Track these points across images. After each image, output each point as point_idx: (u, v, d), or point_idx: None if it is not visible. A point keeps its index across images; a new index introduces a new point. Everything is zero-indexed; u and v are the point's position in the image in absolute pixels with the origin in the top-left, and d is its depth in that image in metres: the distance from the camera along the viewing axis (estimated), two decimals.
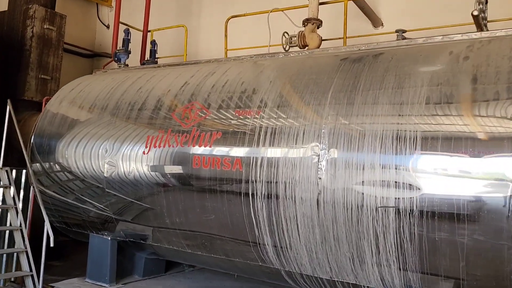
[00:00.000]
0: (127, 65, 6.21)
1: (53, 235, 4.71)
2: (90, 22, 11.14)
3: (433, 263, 2.93)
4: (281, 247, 3.63)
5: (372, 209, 3.06)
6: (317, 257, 3.45)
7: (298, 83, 3.75)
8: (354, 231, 3.16)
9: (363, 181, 3.11)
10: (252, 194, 3.63)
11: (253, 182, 3.62)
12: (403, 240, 2.97)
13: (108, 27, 10.78)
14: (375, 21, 6.63)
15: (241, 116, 3.85)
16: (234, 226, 3.85)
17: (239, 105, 3.93)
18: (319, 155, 3.30)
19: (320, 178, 3.28)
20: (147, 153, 4.31)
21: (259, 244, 3.73)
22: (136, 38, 7.05)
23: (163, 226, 4.41)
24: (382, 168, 3.04)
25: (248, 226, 3.74)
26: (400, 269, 3.07)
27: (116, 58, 6.28)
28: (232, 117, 3.91)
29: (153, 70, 5.34)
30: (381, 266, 3.14)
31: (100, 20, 11.07)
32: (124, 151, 4.52)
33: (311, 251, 3.47)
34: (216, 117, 4.02)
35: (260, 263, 3.92)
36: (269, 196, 3.55)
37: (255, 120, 3.74)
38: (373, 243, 3.10)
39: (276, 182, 3.50)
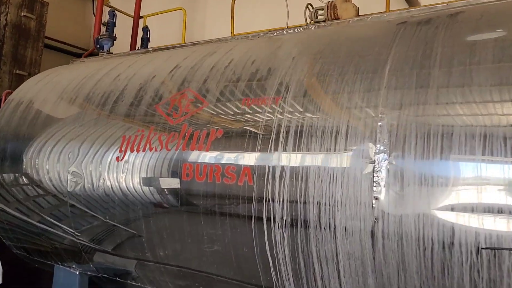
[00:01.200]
0: (111, 53, 5.08)
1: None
2: (86, 19, 10.19)
3: None
4: None
5: (470, 251, 1.85)
6: None
7: (333, 58, 2.58)
8: (436, 286, 1.96)
9: (452, 205, 1.91)
10: (268, 220, 2.44)
11: (269, 201, 2.43)
12: None
13: (104, 24, 9.79)
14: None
15: (251, 107, 2.67)
16: (241, 264, 2.65)
17: (248, 92, 2.76)
18: (374, 162, 2.11)
19: (376, 198, 2.09)
20: (122, 159, 3.14)
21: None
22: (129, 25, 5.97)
23: (143, 259, 3.22)
24: (486, 183, 1.84)
25: (261, 265, 2.54)
26: None
27: (98, 45, 5.16)
28: (238, 109, 2.73)
29: (138, 55, 4.20)
30: None
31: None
32: (92, 157, 3.35)
33: None
34: (215, 109, 2.84)
35: None
36: (294, 223, 2.35)
37: (272, 112, 2.56)
38: None
39: (305, 203, 2.30)
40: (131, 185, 3.11)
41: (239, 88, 2.82)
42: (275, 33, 3.34)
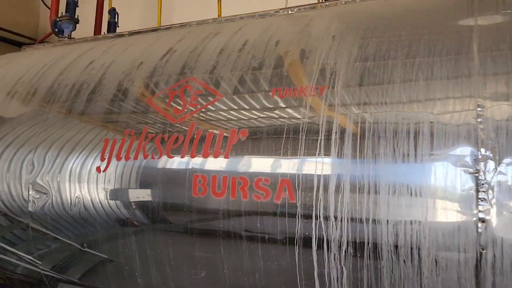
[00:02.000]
0: (73, 39, 4.22)
1: None
2: (33, 4, 9.03)
3: None
4: None
5: None
6: None
7: (392, 35, 2.01)
8: None
9: None
10: (320, 248, 1.84)
11: (320, 224, 1.83)
12: None
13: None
14: None
15: (285, 100, 2.05)
16: None
17: (277, 81, 2.14)
18: (477, 173, 1.58)
19: (483, 221, 1.56)
20: (105, 170, 2.41)
21: None
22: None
23: None
24: None
25: None
26: None
27: (56, 29, 4.29)
28: (267, 103, 2.10)
29: (111, 40, 3.43)
30: None
31: (44, 3, 8.94)
32: (63, 167, 2.59)
33: None
34: (233, 104, 2.20)
35: None
36: (358, 253, 1.77)
37: (317, 105, 1.96)
38: None
39: (375, 225, 1.73)
40: (118, 203, 2.40)
41: (264, 76, 2.18)
42: (295, 10, 2.72)
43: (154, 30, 3.44)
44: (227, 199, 2.03)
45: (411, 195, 1.67)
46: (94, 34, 5.04)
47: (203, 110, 2.25)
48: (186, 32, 2.91)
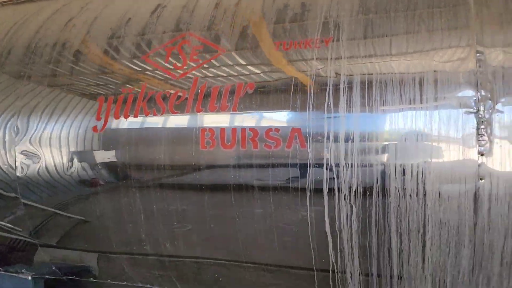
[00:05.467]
0: None
1: None
2: None
3: None
4: (380, 281, 2.06)
5: None
6: None
7: None
8: None
9: None
10: (331, 191, 1.98)
11: (332, 168, 1.96)
12: None
13: None
14: None
15: (291, 53, 2.11)
16: (287, 246, 2.18)
17: (281, 34, 2.18)
18: (478, 112, 1.76)
19: (482, 155, 1.75)
20: (102, 129, 2.37)
21: (337, 273, 2.12)
22: None
23: (137, 253, 2.55)
24: None
25: (316, 246, 2.09)
26: None
27: None
28: (271, 56, 2.15)
29: None
30: None
31: None
32: (53, 129, 2.50)
33: (442, 286, 1.96)
34: (237, 58, 2.23)
35: None
36: (368, 192, 1.93)
37: (324, 57, 2.04)
38: None
39: (384, 167, 1.88)
40: (118, 163, 2.38)
41: (268, 27, 2.22)
42: None
43: None
44: (237, 150, 2.09)
45: (419, 136, 1.83)
46: None
47: (205, 65, 2.26)
48: None
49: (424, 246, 1.91)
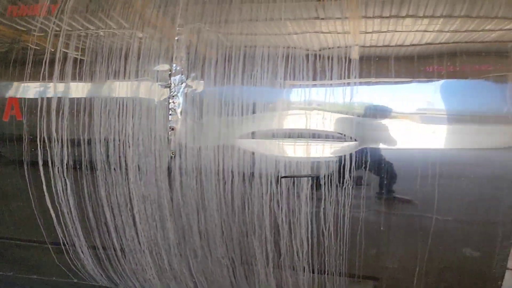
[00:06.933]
0: None
1: None
2: None
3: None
4: (107, 254, 2.05)
5: (270, 182, 1.69)
6: (171, 269, 1.99)
7: None
8: (237, 222, 1.77)
9: (253, 132, 1.70)
10: (45, 164, 1.91)
11: (44, 141, 1.89)
12: (323, 232, 1.69)
13: None
14: None
15: (17, 20, 2.01)
16: (18, 219, 2.10)
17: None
18: (170, 86, 1.76)
19: (172, 129, 1.76)
20: None
21: (66, 245, 2.07)
22: None
23: None
24: (288, 107, 1.67)
25: (42, 220, 2.04)
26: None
27: None
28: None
29: None
30: (282, 275, 1.84)
31: None
32: None
33: (160, 259, 1.98)
34: None
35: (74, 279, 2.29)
36: (78, 165, 1.88)
37: (46, 26, 1.96)
38: (269, 240, 1.76)
39: (90, 140, 1.85)
40: None
41: None
42: None
43: None
44: None
45: (120, 109, 1.81)
46: None
47: None
48: None
49: (134, 220, 1.90)
